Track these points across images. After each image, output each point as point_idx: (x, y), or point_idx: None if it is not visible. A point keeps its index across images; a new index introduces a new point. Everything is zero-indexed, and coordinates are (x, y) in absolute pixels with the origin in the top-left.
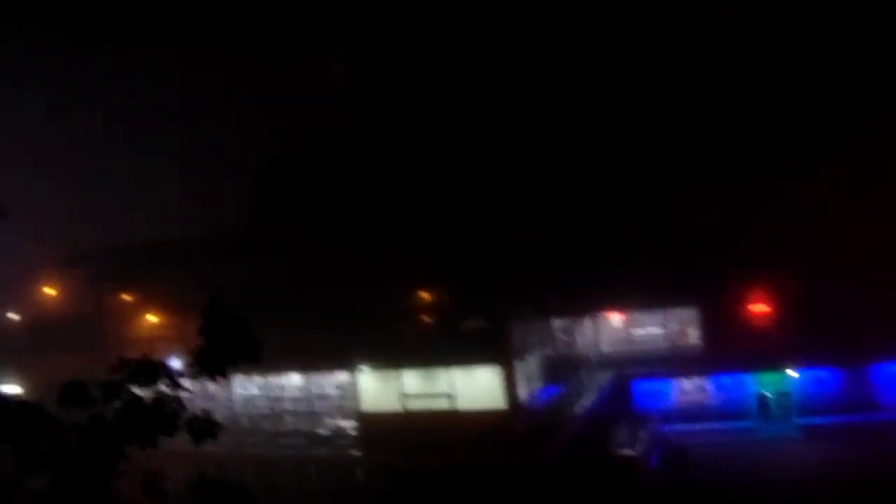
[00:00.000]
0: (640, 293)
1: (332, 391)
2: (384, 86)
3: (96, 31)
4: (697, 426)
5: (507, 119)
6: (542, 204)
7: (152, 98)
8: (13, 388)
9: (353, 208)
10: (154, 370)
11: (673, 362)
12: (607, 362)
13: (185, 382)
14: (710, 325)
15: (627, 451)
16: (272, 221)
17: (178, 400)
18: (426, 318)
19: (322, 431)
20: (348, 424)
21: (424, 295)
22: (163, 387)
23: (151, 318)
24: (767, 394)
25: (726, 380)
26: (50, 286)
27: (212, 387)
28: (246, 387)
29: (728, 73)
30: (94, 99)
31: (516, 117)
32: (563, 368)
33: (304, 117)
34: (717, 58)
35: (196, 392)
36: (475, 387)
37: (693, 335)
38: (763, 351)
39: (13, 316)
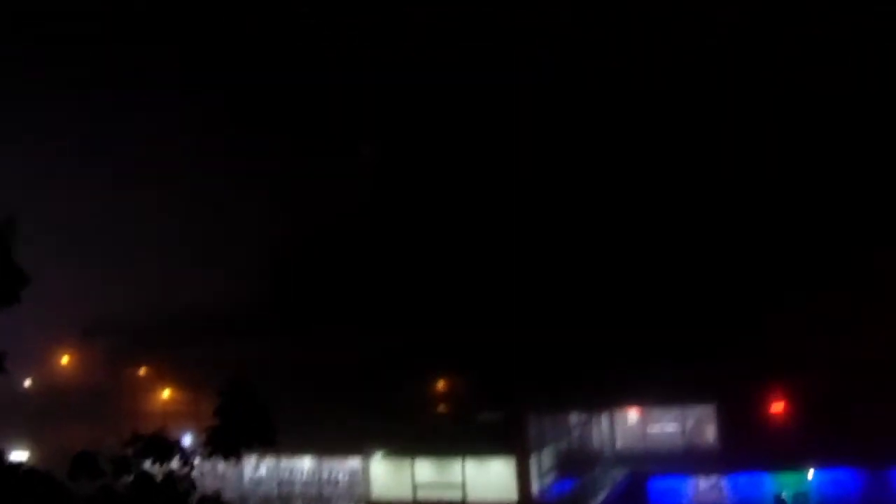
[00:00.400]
0: (657, 389)
1: (342, 476)
2: (406, 172)
3: (133, 109)
4: None
5: (531, 213)
6: (561, 298)
7: (175, 174)
8: (21, 455)
9: (371, 294)
10: (167, 447)
11: (689, 460)
12: (622, 458)
13: (198, 461)
14: (728, 423)
15: None
16: (291, 304)
17: (189, 478)
18: (442, 407)
19: None
20: None
21: (441, 383)
22: (174, 464)
23: (166, 393)
24: (785, 494)
25: (743, 479)
26: (66, 355)
27: (222, 466)
28: (256, 468)
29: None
30: (122, 173)
31: (539, 212)
32: (577, 463)
33: (326, 200)
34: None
35: (206, 471)
36: (488, 478)
37: (710, 432)
38: (781, 450)
39: (27, 383)
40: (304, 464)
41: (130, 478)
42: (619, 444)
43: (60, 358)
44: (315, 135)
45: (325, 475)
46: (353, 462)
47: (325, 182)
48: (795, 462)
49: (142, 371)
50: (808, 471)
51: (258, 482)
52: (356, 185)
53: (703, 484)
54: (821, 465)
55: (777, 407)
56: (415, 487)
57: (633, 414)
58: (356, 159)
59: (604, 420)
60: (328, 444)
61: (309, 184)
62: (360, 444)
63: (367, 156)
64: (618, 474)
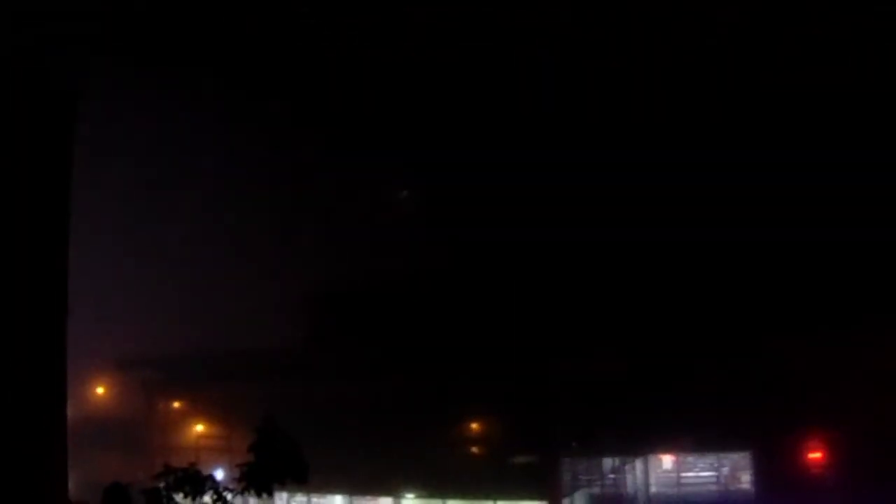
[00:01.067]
0: (693, 436)
1: None
2: (443, 216)
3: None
4: None
5: (565, 260)
6: (597, 342)
7: (215, 210)
8: None
9: (407, 336)
10: (199, 481)
11: None
12: None
13: (230, 496)
14: (764, 471)
15: None
16: (327, 344)
17: None
18: (475, 449)
19: None
20: None
21: (474, 425)
22: (206, 498)
23: (199, 428)
24: None
25: None
26: (101, 386)
27: (253, 502)
28: None
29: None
30: (163, 209)
31: (575, 259)
32: None
33: (367, 243)
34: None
35: None
36: None
37: (745, 480)
38: (819, 499)
39: None
40: (336, 503)
41: None
42: (653, 489)
43: (95, 388)
44: (350, 173)
45: None
46: (385, 502)
47: (362, 223)
48: None
49: (176, 404)
50: None
51: None
52: (393, 227)
53: None
54: None
55: (815, 455)
56: None
57: (667, 460)
58: (395, 205)
59: (638, 466)
60: (360, 483)
61: (347, 225)
62: (391, 484)
63: (406, 201)
64: None
